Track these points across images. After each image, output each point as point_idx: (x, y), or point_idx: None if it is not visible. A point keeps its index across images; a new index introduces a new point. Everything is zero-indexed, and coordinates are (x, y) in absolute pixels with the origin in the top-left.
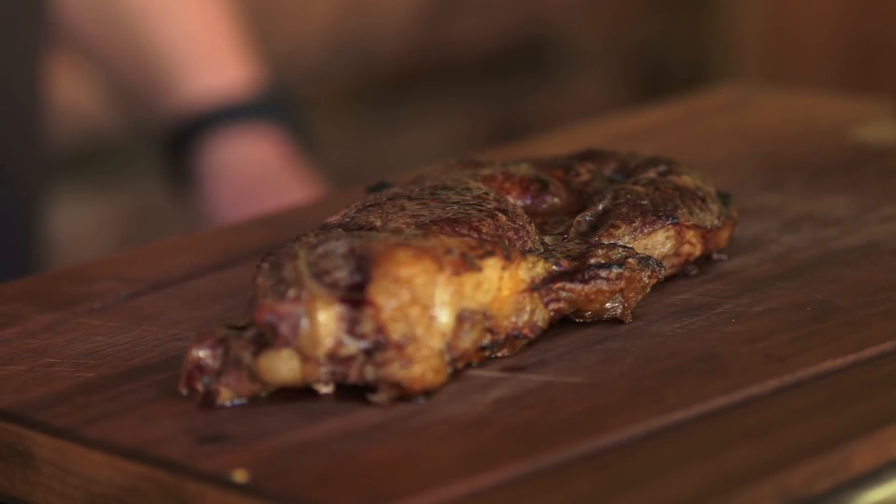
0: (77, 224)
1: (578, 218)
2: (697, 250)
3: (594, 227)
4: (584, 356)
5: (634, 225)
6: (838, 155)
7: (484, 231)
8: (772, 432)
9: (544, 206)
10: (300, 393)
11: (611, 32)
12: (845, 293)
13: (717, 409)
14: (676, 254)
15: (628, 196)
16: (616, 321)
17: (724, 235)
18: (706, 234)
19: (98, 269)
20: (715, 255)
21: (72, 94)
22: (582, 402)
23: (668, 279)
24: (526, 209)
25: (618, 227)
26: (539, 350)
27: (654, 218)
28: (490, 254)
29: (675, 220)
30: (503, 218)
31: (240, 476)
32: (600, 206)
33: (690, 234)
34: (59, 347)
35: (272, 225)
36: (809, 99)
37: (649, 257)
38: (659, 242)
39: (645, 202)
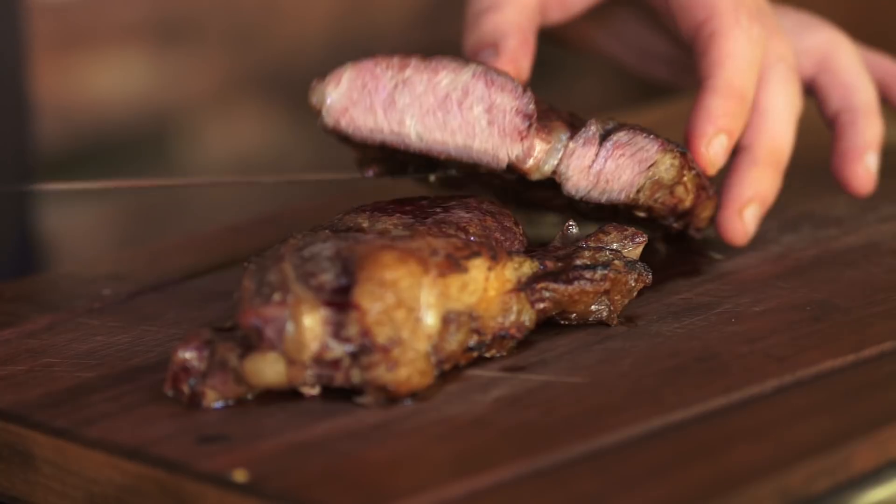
0: (77, 224)
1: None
2: (688, 202)
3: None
4: (584, 356)
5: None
6: None
7: (471, 231)
8: (772, 432)
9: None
10: (300, 393)
11: None
12: (845, 293)
13: (717, 409)
14: (671, 192)
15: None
16: None
17: (706, 212)
18: (700, 190)
19: (98, 269)
20: (714, 255)
21: (72, 94)
22: (582, 402)
23: (668, 279)
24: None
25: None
26: (539, 350)
27: (665, 141)
28: (476, 254)
29: (684, 151)
30: (490, 219)
31: (240, 476)
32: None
33: (690, 176)
34: (58, 347)
35: (272, 225)
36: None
37: (636, 261)
38: (664, 166)
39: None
